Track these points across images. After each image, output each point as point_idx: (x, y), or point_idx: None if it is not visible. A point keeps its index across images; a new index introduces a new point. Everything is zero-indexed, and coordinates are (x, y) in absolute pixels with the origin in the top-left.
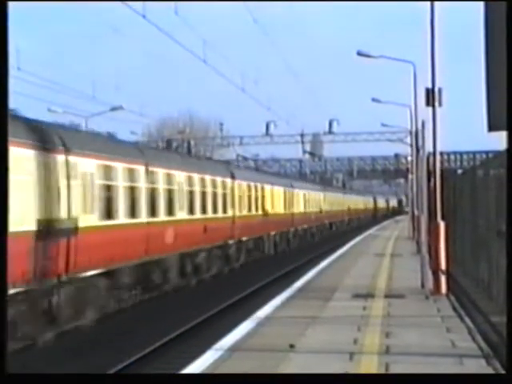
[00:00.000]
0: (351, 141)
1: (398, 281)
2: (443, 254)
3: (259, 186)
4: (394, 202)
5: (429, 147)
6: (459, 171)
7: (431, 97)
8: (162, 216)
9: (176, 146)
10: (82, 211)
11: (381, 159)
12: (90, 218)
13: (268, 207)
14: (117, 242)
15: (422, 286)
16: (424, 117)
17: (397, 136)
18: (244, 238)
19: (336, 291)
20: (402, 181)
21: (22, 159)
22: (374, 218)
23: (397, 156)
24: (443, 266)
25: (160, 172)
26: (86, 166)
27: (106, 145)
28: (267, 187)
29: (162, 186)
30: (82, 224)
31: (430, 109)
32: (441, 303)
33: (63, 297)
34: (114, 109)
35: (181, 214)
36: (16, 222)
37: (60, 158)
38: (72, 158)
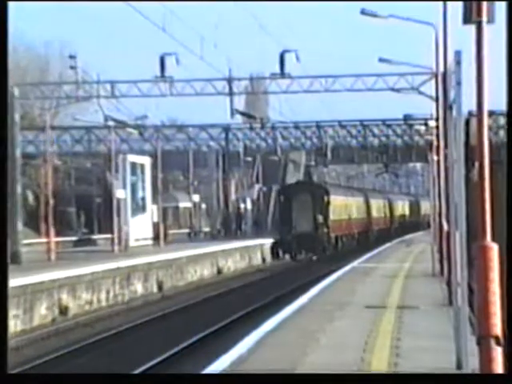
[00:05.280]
0: (324, 91)
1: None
2: (497, 306)
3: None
4: (403, 207)
5: (468, 104)
6: None
7: (474, 8)
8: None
9: None
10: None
11: (379, 127)
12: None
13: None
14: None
15: (459, 366)
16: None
17: (408, 81)
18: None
19: None
20: (417, 166)
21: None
22: (388, 231)
23: (408, 119)
24: (498, 330)
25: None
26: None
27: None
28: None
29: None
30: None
31: (469, 32)
32: None
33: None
34: None
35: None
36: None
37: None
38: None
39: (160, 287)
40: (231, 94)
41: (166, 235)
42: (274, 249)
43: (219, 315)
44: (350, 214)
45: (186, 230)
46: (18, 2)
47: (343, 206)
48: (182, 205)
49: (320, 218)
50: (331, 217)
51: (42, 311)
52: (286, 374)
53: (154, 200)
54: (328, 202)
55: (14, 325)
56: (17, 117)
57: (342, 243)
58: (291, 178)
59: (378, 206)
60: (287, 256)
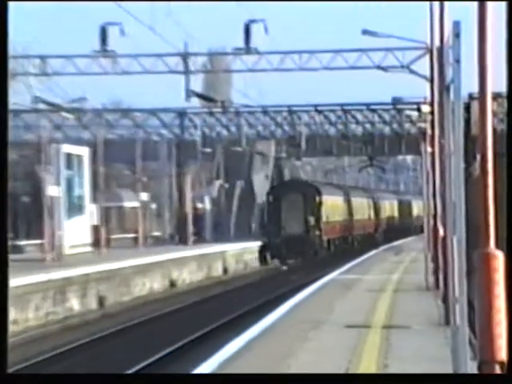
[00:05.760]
0: (297, 69)
1: None
2: (502, 327)
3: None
4: (391, 207)
5: (469, 85)
6: None
7: None
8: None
9: None
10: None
11: (362, 112)
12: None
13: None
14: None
15: None
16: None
17: (397, 58)
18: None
19: None
20: (407, 159)
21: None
22: (374, 237)
23: (398, 103)
24: (503, 355)
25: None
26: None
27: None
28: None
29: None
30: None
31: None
32: None
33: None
34: None
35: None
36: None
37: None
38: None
39: (101, 303)
40: (187, 72)
41: (108, 241)
42: (261, 253)
43: (168, 338)
44: (344, 215)
45: (133, 235)
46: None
47: (337, 207)
48: (127, 204)
49: (311, 220)
50: (324, 219)
51: None
52: (279, 374)
53: (94, 199)
54: (320, 203)
55: None
56: None
57: (334, 247)
58: (258, 173)
59: (361, 206)
60: (257, 264)
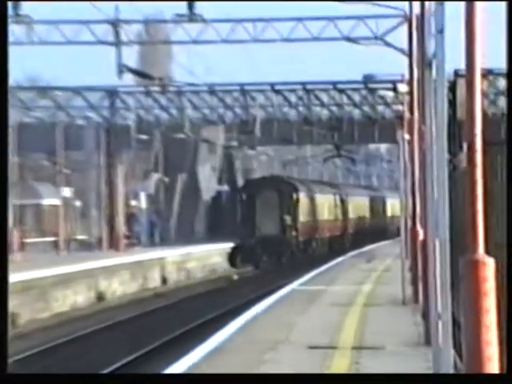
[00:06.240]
0: (251, 40)
1: None
2: (493, 346)
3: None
4: (361, 205)
5: (454, 60)
6: None
7: None
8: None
9: None
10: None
11: (328, 92)
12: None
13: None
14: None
15: None
16: None
17: (369, 27)
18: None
19: None
20: (381, 148)
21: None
22: (341, 240)
23: (370, 82)
24: None
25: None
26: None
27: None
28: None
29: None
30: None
31: None
32: None
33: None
34: None
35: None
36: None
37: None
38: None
39: (13, 321)
40: (118, 43)
41: (22, 245)
42: (232, 256)
43: (91, 364)
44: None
45: (53, 238)
46: None
47: (316, 206)
48: (46, 202)
49: (288, 219)
50: (300, 218)
51: None
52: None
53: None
54: (297, 201)
55: None
56: None
57: (311, 249)
58: (204, 165)
59: (326, 205)
60: (202, 274)
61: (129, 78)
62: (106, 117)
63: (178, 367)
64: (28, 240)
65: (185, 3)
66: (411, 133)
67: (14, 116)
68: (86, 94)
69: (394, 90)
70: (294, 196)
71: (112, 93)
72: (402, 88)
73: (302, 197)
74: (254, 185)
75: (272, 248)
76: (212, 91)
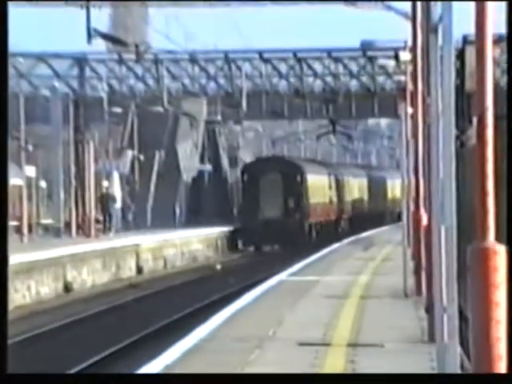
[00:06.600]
0: (235, 1)
1: None
2: (502, 342)
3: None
4: (359, 187)
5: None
6: None
7: None
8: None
9: None
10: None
11: (322, 61)
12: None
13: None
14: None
15: None
16: None
17: None
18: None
19: None
20: (381, 123)
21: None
22: (335, 225)
23: (369, 49)
24: None
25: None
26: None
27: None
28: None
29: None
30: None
31: None
32: None
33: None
34: None
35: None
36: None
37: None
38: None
39: None
40: (88, 3)
41: None
42: (232, 239)
43: (52, 363)
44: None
45: (14, 223)
46: None
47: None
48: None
49: (292, 202)
50: (305, 201)
51: None
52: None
53: None
54: (302, 183)
55: None
56: None
57: (316, 233)
58: (184, 141)
59: (319, 186)
60: (183, 262)
61: (100, 44)
62: (75, 87)
63: (149, 369)
64: None
65: None
66: (414, 106)
67: None
68: (51, 61)
69: (396, 58)
70: (299, 177)
71: (81, 60)
72: (405, 56)
73: (309, 178)
74: (256, 165)
75: (275, 232)
76: (193, 59)
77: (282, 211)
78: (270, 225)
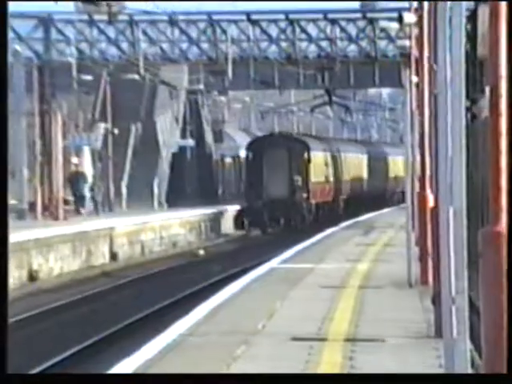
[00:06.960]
0: None
1: None
2: None
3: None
4: (358, 164)
5: None
6: None
7: None
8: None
9: None
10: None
11: (316, 23)
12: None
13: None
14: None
15: None
16: None
17: None
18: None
19: None
20: (382, 93)
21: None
22: (333, 207)
23: (368, 10)
24: None
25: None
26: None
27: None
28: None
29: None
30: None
31: None
32: None
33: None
34: None
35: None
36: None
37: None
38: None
39: None
40: None
41: None
42: (238, 219)
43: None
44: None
45: None
46: None
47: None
48: None
49: (298, 180)
50: (312, 179)
51: None
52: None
53: None
54: (309, 160)
55: None
56: None
57: (323, 213)
58: (164, 113)
59: (320, 162)
60: (161, 247)
61: (68, 3)
62: (39, 51)
63: (121, 369)
64: None
65: None
66: (420, 74)
67: None
68: (13, 21)
69: (400, 20)
70: (306, 155)
71: (46, 21)
72: (409, 18)
73: (314, 156)
74: (261, 142)
75: (280, 211)
76: (172, 21)
77: (289, 190)
78: (276, 204)
